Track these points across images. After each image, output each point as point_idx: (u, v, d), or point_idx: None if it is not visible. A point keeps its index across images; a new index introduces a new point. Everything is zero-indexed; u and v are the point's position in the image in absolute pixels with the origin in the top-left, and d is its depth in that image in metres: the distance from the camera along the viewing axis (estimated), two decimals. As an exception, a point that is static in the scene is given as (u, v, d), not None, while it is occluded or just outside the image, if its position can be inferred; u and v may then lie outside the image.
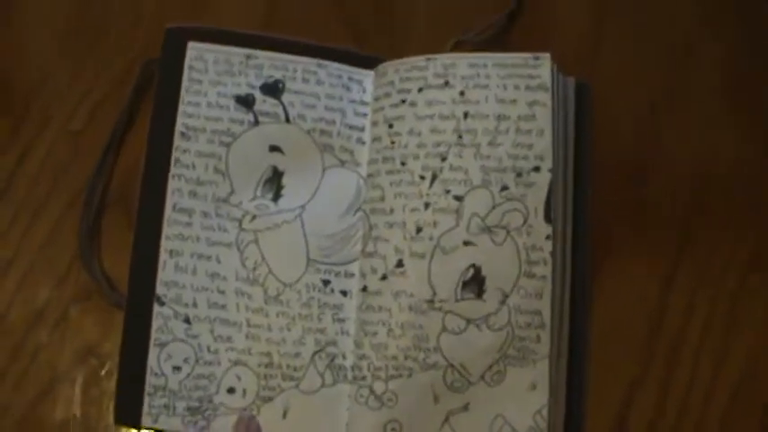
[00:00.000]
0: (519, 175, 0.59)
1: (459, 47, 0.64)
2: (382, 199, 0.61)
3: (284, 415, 0.59)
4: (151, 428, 0.59)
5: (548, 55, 0.61)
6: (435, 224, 0.59)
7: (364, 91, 0.63)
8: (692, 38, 0.66)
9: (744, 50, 0.66)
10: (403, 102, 0.62)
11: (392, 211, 0.60)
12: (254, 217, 0.61)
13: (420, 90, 0.61)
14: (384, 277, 0.60)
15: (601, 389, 0.60)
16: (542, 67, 0.61)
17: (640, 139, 0.64)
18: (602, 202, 0.62)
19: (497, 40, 0.65)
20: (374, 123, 0.63)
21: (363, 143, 0.63)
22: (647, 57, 0.66)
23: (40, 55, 0.67)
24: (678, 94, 0.65)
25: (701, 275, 0.62)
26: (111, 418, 0.60)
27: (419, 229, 0.60)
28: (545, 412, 0.57)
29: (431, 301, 0.59)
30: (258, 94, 0.62)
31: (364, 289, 0.60)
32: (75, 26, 0.67)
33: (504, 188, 0.59)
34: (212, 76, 0.62)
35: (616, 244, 0.62)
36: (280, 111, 0.62)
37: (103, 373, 0.61)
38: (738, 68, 0.65)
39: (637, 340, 0.61)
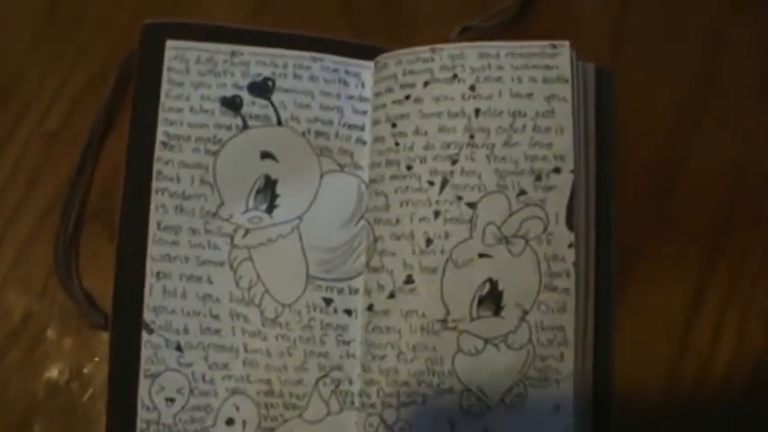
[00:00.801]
0: (538, 177, 0.54)
1: (467, 34, 0.58)
2: (387, 207, 0.56)
3: (288, 446, 0.55)
4: (145, 467, 0.55)
5: (567, 43, 0.55)
6: (447, 235, 0.54)
7: (363, 86, 0.58)
8: (722, 25, 0.60)
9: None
10: (407, 98, 0.56)
11: (398, 221, 0.55)
12: (246, 232, 0.56)
13: (426, 84, 0.56)
14: (392, 295, 0.55)
15: (625, 410, 0.56)
16: (561, 56, 0.55)
17: (664, 142, 0.59)
18: (625, 209, 0.57)
19: (510, 27, 0.59)
20: (375, 122, 0.57)
21: (364, 144, 0.57)
22: (676, 46, 0.60)
23: (11, 47, 0.61)
24: (709, 88, 0.59)
25: (732, 291, 0.57)
26: (96, 448, 0.56)
27: (429, 241, 0.54)
28: (570, 435, 0.53)
29: (444, 321, 0.54)
30: (246, 95, 0.57)
31: (370, 308, 0.55)
32: (49, 16, 0.61)
33: (522, 193, 0.54)
34: (194, 77, 0.56)
35: (640, 257, 0.57)
36: (270, 112, 0.57)
37: (85, 399, 0.57)
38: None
39: (663, 360, 0.56)
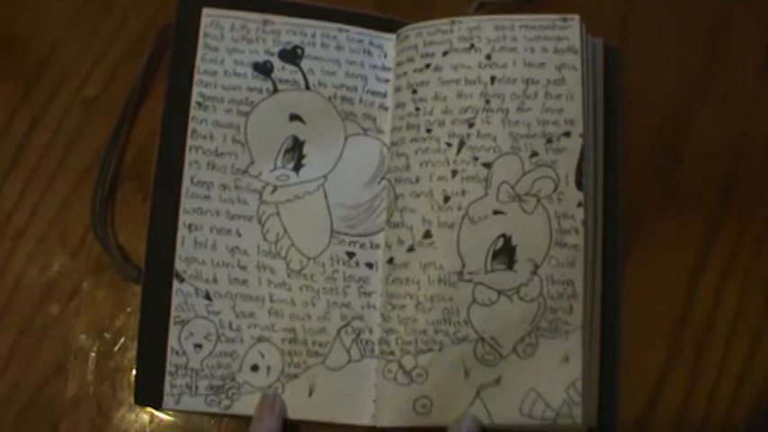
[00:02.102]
0: (549, 140, 0.58)
1: (483, 9, 0.62)
2: (407, 167, 0.59)
3: (310, 392, 0.57)
4: (173, 410, 0.58)
5: (577, 16, 0.59)
6: (463, 193, 0.58)
7: (386, 56, 0.61)
8: (728, 7, 0.63)
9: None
10: (427, 66, 0.60)
11: (418, 179, 0.58)
12: (274, 188, 0.59)
13: (445, 54, 0.59)
14: (411, 249, 0.58)
15: (633, 364, 0.58)
16: (571, 29, 0.59)
17: (670, 114, 0.62)
18: (632, 178, 0.60)
19: (523, 4, 0.62)
20: (397, 89, 0.60)
21: (386, 109, 0.61)
22: (680, 28, 0.63)
23: (52, 19, 0.65)
24: (713, 65, 0.62)
25: (734, 256, 0.60)
26: (125, 395, 0.59)
27: (447, 199, 0.58)
28: (579, 385, 0.55)
29: (460, 273, 0.57)
30: (276, 61, 0.60)
31: (390, 261, 0.58)
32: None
33: (534, 154, 0.58)
34: (228, 43, 0.60)
35: (646, 222, 0.60)
36: (299, 78, 0.60)
37: (117, 348, 0.60)
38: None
39: (668, 318, 0.59)
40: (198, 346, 0.58)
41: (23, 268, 0.61)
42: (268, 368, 0.58)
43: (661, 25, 0.63)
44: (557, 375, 0.56)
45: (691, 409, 0.58)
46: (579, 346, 0.56)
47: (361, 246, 0.59)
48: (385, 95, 0.61)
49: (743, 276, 0.59)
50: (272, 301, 0.58)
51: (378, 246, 0.59)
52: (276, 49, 0.61)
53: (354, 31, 0.61)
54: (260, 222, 0.59)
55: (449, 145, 0.58)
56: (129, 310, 0.60)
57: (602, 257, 0.58)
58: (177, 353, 0.57)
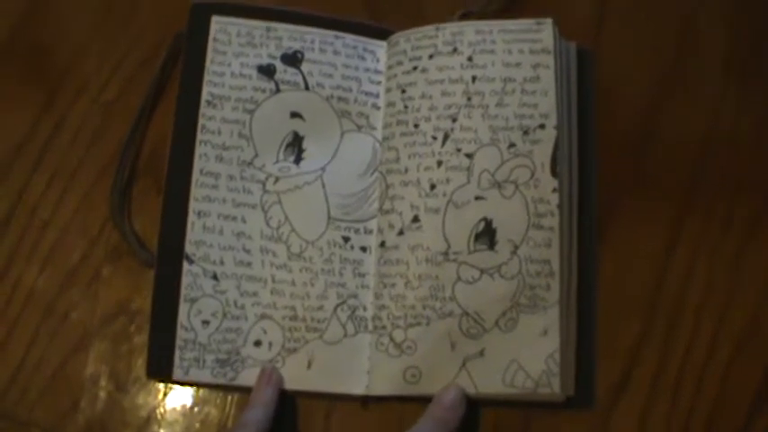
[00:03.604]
0: (525, 132, 0.62)
1: (467, 17, 0.67)
2: (397, 160, 0.64)
3: (309, 365, 0.62)
4: (182, 381, 0.62)
5: (550, 20, 0.64)
6: (448, 181, 0.63)
7: (378, 60, 0.67)
8: (694, 12, 0.68)
9: (745, 22, 0.68)
10: (415, 68, 0.65)
11: (407, 170, 0.64)
12: (277, 179, 0.64)
13: (430, 57, 0.65)
14: (401, 232, 0.63)
15: (608, 338, 0.62)
16: (545, 31, 0.64)
17: (642, 110, 0.67)
18: (606, 167, 0.65)
19: (503, 14, 0.68)
20: (388, 90, 0.66)
21: (378, 108, 0.66)
22: (650, 31, 0.68)
23: (75, 28, 0.71)
24: (679, 68, 0.67)
25: (702, 236, 0.64)
26: (140, 372, 0.63)
27: (433, 186, 0.63)
28: (557, 356, 0.59)
29: (446, 254, 0.62)
30: (279, 64, 0.66)
31: (382, 244, 0.63)
32: (108, 1, 0.71)
33: (512, 145, 0.62)
34: (235, 47, 0.66)
35: (620, 206, 0.65)
36: (299, 79, 0.66)
37: (133, 329, 0.64)
38: (739, 42, 0.68)
39: (642, 294, 0.63)
40: (205, 322, 0.62)
41: (48, 256, 0.66)
42: (270, 343, 0.62)
43: (633, 28, 0.68)
44: (536, 348, 0.60)
45: (663, 377, 0.61)
46: (557, 320, 0.60)
47: (356, 231, 0.64)
48: (377, 96, 0.66)
49: (710, 255, 0.63)
50: (274, 281, 0.63)
51: (371, 231, 0.64)
52: (279, 54, 0.66)
53: (350, 38, 0.67)
54: (263, 210, 0.64)
55: (434, 138, 0.63)
56: (143, 293, 0.64)
57: (577, 238, 0.62)
58: (186, 329, 0.62)
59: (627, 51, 0.68)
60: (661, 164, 0.65)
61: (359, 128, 0.66)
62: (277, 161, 0.65)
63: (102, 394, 0.63)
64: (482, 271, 0.61)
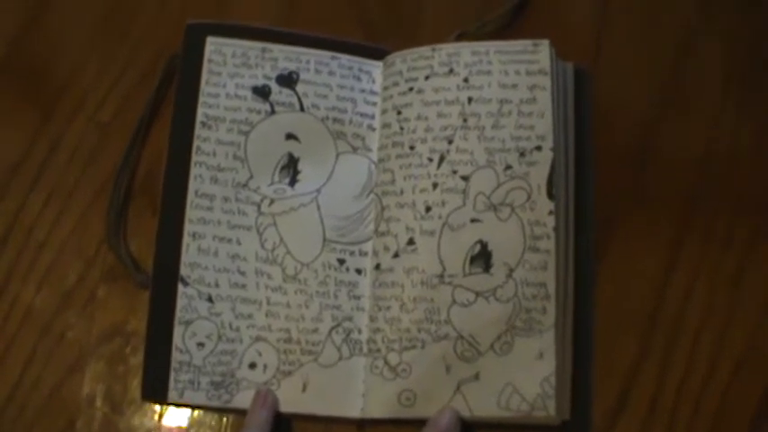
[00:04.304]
0: (522, 154, 0.62)
1: (463, 38, 0.67)
2: (393, 181, 0.64)
3: (304, 388, 0.62)
4: (177, 403, 0.62)
5: (547, 41, 0.64)
6: (443, 203, 0.62)
7: (373, 81, 0.67)
8: (693, 30, 0.68)
9: (743, 40, 0.68)
10: (410, 89, 0.65)
11: (402, 192, 0.63)
12: (272, 201, 0.64)
13: (426, 78, 0.65)
14: (396, 255, 0.63)
15: (606, 360, 0.62)
16: (542, 52, 0.64)
17: (641, 128, 0.66)
18: (604, 187, 0.65)
19: (499, 34, 0.67)
20: (384, 111, 0.66)
21: (374, 130, 0.66)
22: (649, 49, 0.68)
23: (71, 49, 0.71)
24: (678, 85, 0.67)
25: (701, 255, 0.64)
26: (135, 393, 0.63)
27: (428, 209, 0.63)
28: (552, 380, 0.59)
29: (441, 276, 0.61)
30: (274, 85, 0.66)
31: (378, 267, 0.63)
32: (105, 22, 0.71)
33: (508, 167, 0.62)
34: (230, 68, 0.66)
35: (619, 226, 0.64)
36: (294, 100, 0.66)
37: (128, 350, 0.64)
38: (737, 60, 0.67)
39: (640, 313, 0.63)
40: (200, 344, 0.62)
41: (44, 277, 0.66)
42: (265, 366, 0.62)
43: (631, 47, 0.68)
44: (532, 371, 0.59)
45: (661, 399, 0.61)
46: (552, 343, 0.59)
47: (351, 253, 0.64)
48: (373, 117, 0.66)
49: (710, 274, 0.63)
50: (268, 303, 0.63)
51: (366, 253, 0.64)
52: (274, 74, 0.66)
53: (345, 58, 0.67)
54: (258, 232, 0.64)
55: (430, 160, 0.63)
56: (139, 315, 0.64)
57: (574, 261, 0.62)
58: (181, 351, 0.62)
59: (625, 70, 0.68)
60: (660, 183, 0.65)
61: (354, 149, 0.66)
62: (272, 183, 0.65)
63: (98, 415, 0.63)
64: (477, 294, 0.61)
